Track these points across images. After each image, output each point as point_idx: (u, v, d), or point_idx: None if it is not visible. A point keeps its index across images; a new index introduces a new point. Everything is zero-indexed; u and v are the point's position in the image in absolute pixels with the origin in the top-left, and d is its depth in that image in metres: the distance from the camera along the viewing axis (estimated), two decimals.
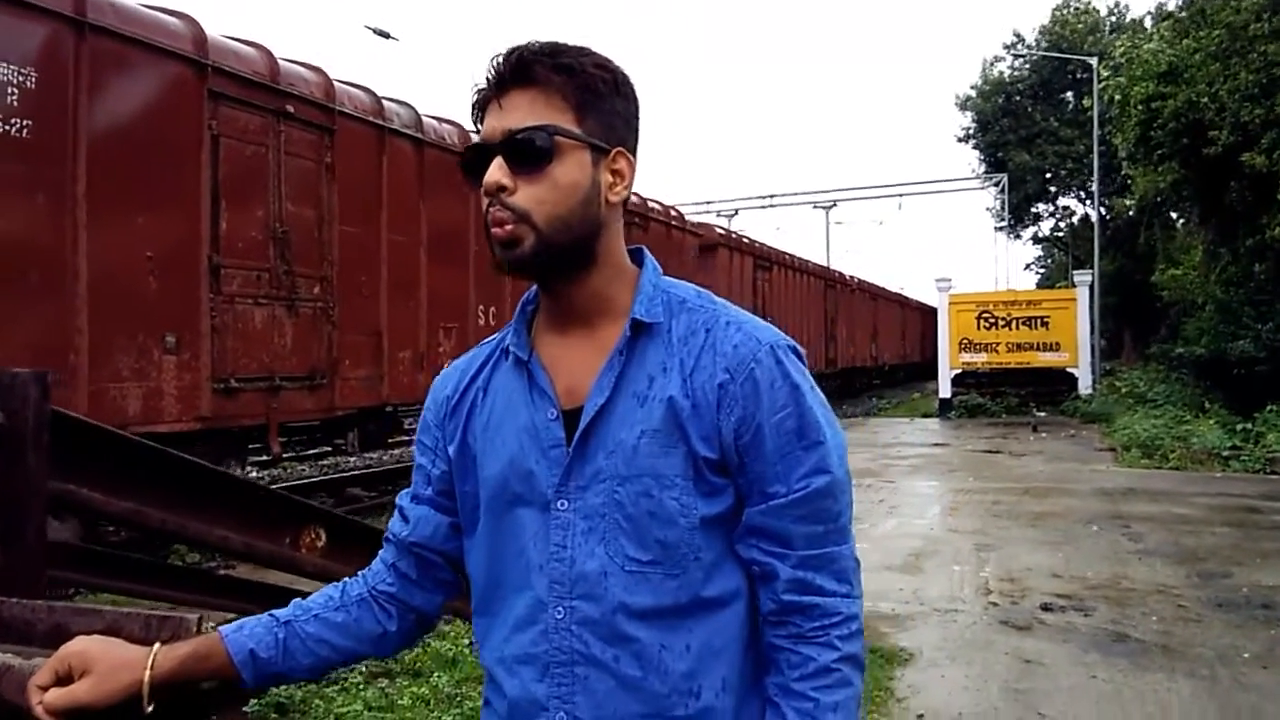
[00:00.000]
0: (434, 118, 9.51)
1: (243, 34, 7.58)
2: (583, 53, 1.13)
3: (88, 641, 1.13)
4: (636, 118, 1.18)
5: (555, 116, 1.09)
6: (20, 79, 5.55)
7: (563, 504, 1.09)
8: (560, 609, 1.08)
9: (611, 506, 1.08)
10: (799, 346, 1.15)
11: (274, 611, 1.20)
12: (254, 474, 11.27)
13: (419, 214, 9.00)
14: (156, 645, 1.13)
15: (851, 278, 29.10)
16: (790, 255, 22.25)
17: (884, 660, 4.54)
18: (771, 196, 42.91)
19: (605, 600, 1.07)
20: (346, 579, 1.26)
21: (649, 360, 1.11)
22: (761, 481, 1.08)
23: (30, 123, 5.60)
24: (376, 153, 8.46)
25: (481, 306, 10.07)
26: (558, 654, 1.08)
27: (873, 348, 31.62)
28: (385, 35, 13.25)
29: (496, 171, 1.08)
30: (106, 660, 1.10)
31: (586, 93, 1.11)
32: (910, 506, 9.16)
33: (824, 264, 29.81)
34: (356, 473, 11.47)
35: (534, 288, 1.19)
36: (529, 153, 1.08)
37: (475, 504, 1.17)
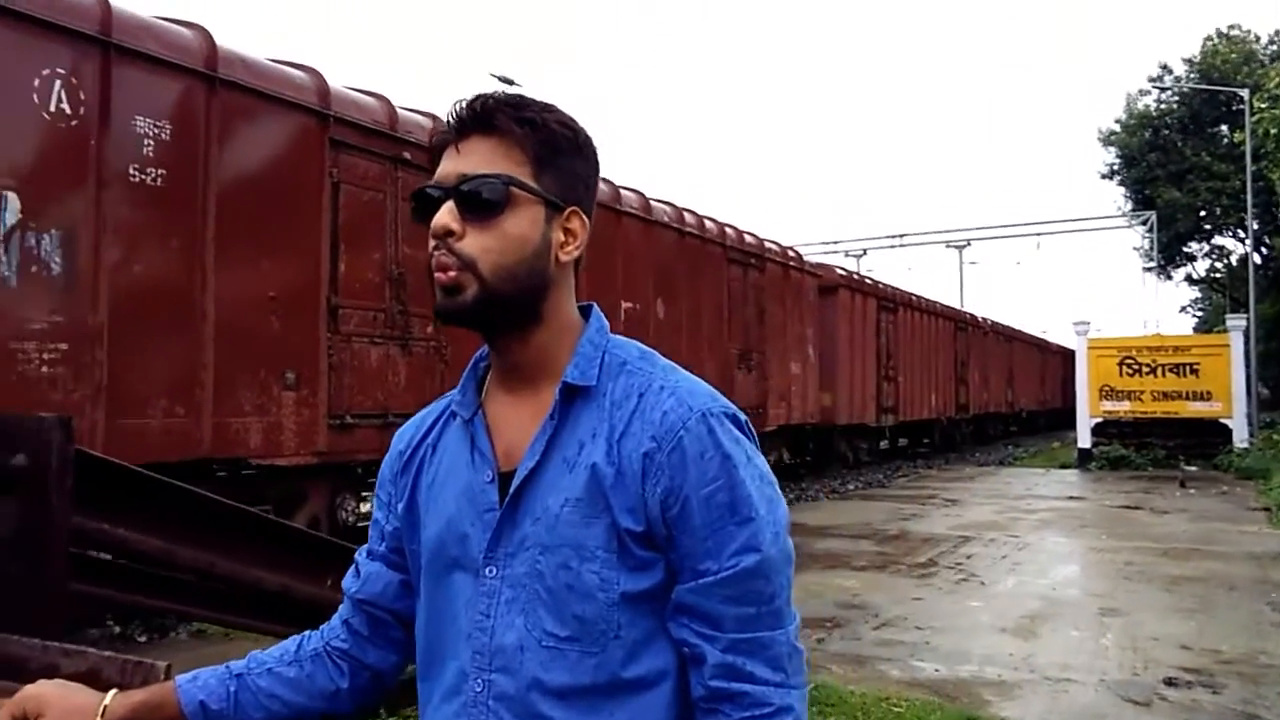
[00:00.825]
0: None
1: (379, 84, 7.93)
2: (547, 109, 1.11)
3: (46, 686, 1.14)
4: (595, 180, 1.16)
5: (512, 167, 1.07)
6: (156, 131, 5.94)
7: (491, 570, 1.06)
8: (479, 681, 1.04)
9: (533, 577, 1.03)
10: (739, 413, 1.10)
11: (231, 663, 1.19)
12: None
13: None
14: (110, 693, 1.13)
15: (984, 320, 28.14)
16: (917, 296, 21.69)
17: None
18: (902, 236, 42.08)
19: (520, 675, 1.02)
20: (308, 631, 1.25)
21: (581, 424, 1.07)
22: (691, 558, 1.03)
23: (164, 172, 5.98)
24: None
25: None
26: None
27: (1008, 393, 30.43)
28: (509, 82, 13.71)
29: (446, 215, 1.06)
30: (60, 706, 1.11)
31: (546, 148, 1.09)
32: (1034, 564, 8.68)
33: (956, 305, 28.96)
34: None
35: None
36: (481, 200, 1.06)
37: (419, 565, 1.14)
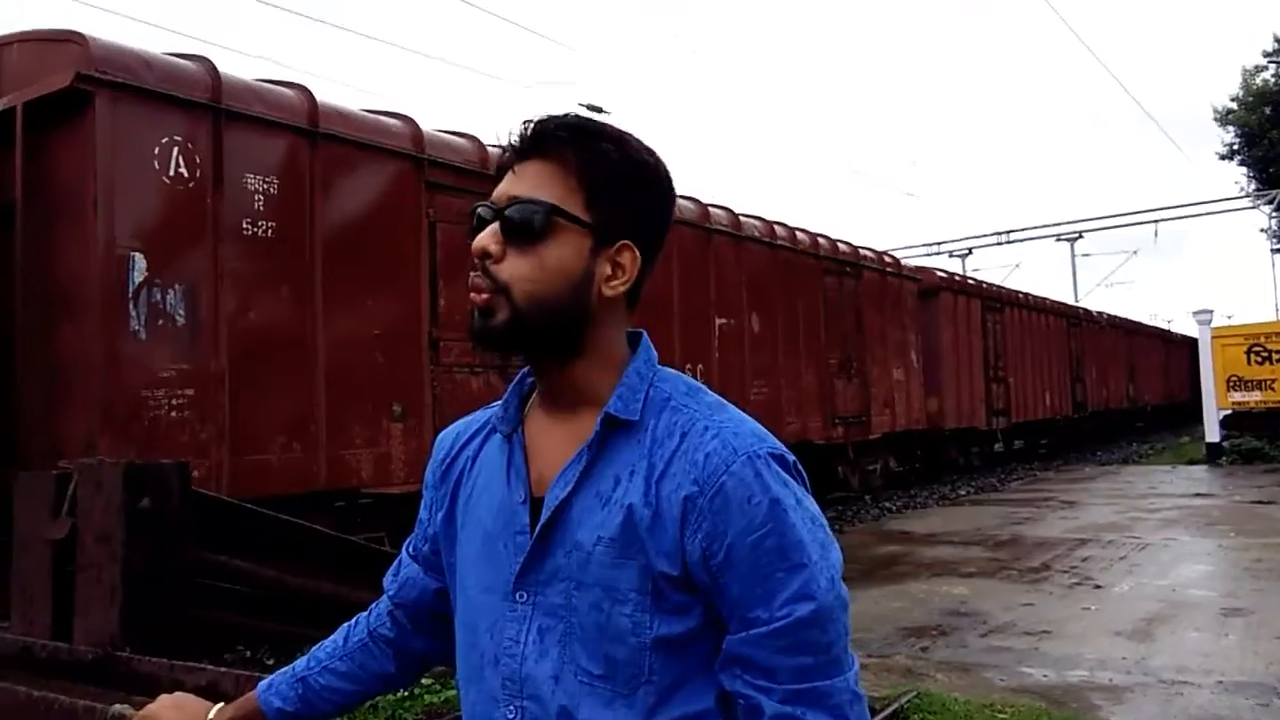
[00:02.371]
0: None
1: (473, 121, 8.28)
2: (616, 137, 1.08)
3: (164, 702, 1.32)
4: (663, 217, 1.13)
5: (562, 195, 1.05)
6: (265, 187, 6.36)
7: (522, 596, 1.05)
8: (512, 708, 1.03)
9: (568, 610, 1.02)
10: (787, 454, 1.05)
11: (295, 665, 1.32)
12: None
13: None
14: (217, 706, 1.31)
15: (1100, 314, 27.14)
16: (1025, 294, 21.12)
17: None
18: (1009, 232, 40.86)
19: (552, 705, 1.01)
20: (355, 618, 1.34)
21: (619, 459, 1.04)
22: (740, 607, 0.98)
23: (274, 224, 6.39)
24: None
25: (688, 365, 10.28)
26: None
27: (1129, 389, 29.24)
28: (598, 110, 14.09)
29: (487, 237, 1.06)
30: (175, 719, 1.29)
31: (603, 177, 1.05)
32: (1154, 565, 8.39)
33: (1068, 300, 28.01)
34: None
35: None
36: (522, 225, 1.04)
37: (455, 579, 1.16)
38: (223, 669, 1.46)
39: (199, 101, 6.06)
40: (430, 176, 7.50)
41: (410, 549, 1.30)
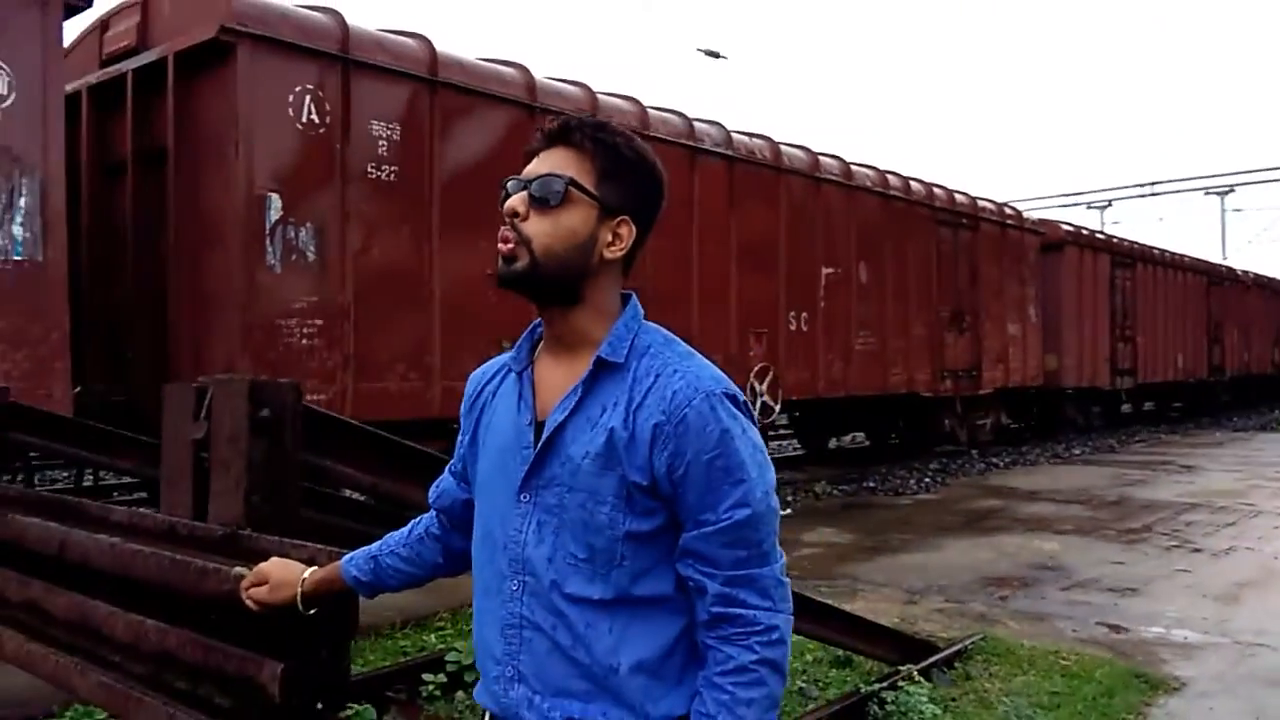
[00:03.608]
0: (744, 134, 10.01)
1: (587, 66, 8.52)
2: (623, 135, 1.37)
3: (273, 562, 1.68)
4: (655, 199, 1.40)
5: (579, 173, 1.32)
6: (388, 133, 6.79)
7: (525, 497, 1.33)
8: (515, 582, 1.32)
9: (560, 509, 1.30)
10: (739, 394, 1.32)
11: (371, 546, 1.64)
12: None
13: (729, 226, 9.54)
14: (308, 570, 1.66)
15: (1245, 273, 25.68)
16: (1160, 250, 20.18)
17: (1146, 686, 4.31)
18: (1153, 184, 38.84)
19: (546, 580, 1.30)
20: (420, 517, 1.65)
21: (606, 393, 1.31)
22: (694, 511, 1.26)
23: (396, 168, 6.83)
24: (688, 171, 9.11)
25: (793, 313, 10.41)
26: (510, 618, 1.33)
27: (1276, 353, 27.67)
28: (715, 55, 14.04)
29: (516, 200, 1.34)
30: (277, 578, 1.64)
31: (611, 163, 1.33)
32: (1259, 532, 8.18)
33: (1213, 258, 26.58)
34: None
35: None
36: (545, 192, 1.32)
37: (476, 487, 1.45)
38: (319, 546, 1.80)
39: (329, 52, 6.50)
40: (542, 123, 7.78)
41: (450, 468, 1.59)
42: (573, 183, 1.32)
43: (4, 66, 5.00)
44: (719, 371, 1.34)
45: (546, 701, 1.30)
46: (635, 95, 8.89)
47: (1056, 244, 15.88)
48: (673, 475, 1.26)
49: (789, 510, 9.30)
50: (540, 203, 1.33)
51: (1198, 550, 7.39)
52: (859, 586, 6.24)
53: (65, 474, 7.17)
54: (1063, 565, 6.86)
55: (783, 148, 10.37)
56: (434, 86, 7.04)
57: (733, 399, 1.30)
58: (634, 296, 1.42)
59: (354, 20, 6.73)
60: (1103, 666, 4.54)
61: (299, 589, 1.62)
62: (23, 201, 5.01)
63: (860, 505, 9.76)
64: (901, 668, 4.16)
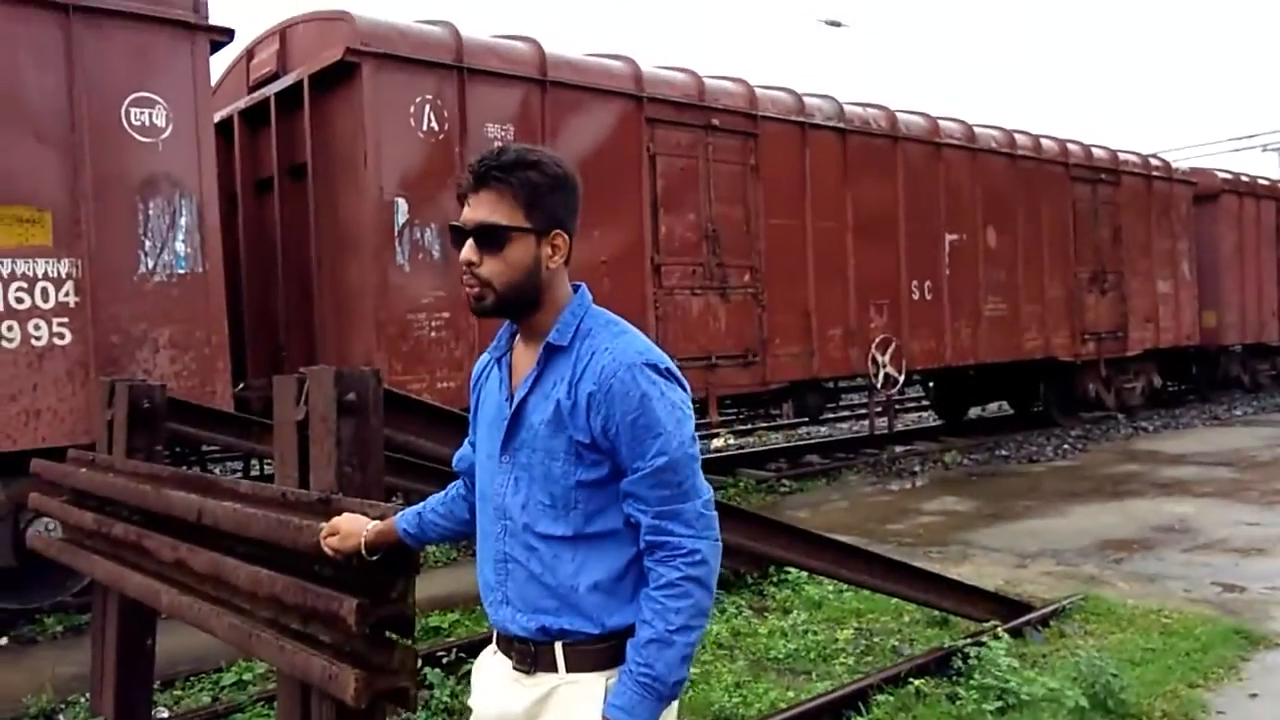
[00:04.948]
0: (859, 104, 10.01)
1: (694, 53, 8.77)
2: (531, 163, 1.60)
3: (345, 518, 2.06)
4: (571, 204, 1.65)
5: (508, 212, 1.58)
6: (502, 134, 7.23)
7: (505, 459, 1.65)
8: (499, 525, 1.66)
9: (529, 465, 1.62)
10: (659, 362, 1.59)
11: (418, 505, 1.99)
12: (720, 441, 12.74)
13: (844, 199, 9.59)
14: (370, 524, 2.02)
15: None
16: None
17: (1246, 641, 4.28)
18: None
19: (520, 523, 1.62)
20: (455, 482, 1.97)
21: (556, 371, 1.62)
22: (627, 460, 1.56)
23: None
24: (799, 148, 9.22)
25: (915, 282, 10.36)
26: (498, 555, 1.66)
27: None
28: (837, 24, 13.93)
29: (468, 251, 1.60)
30: (347, 528, 2.01)
31: (531, 193, 1.59)
32: None
33: None
34: (817, 441, 12.49)
35: None
36: (488, 241, 1.59)
37: (476, 451, 1.78)
38: (390, 505, 2.18)
39: (444, 63, 6.99)
40: (650, 112, 8.10)
41: (468, 439, 1.87)
42: (509, 228, 1.59)
43: (161, 101, 5.67)
44: (647, 345, 1.62)
45: (526, 616, 1.64)
46: (744, 76, 9.05)
47: (1211, 194, 15.00)
48: (607, 433, 1.56)
49: (916, 482, 9.34)
50: (488, 248, 1.59)
51: None
52: (971, 552, 6.30)
53: (238, 466, 8.00)
54: (1190, 527, 6.69)
55: (899, 115, 10.30)
56: (544, 86, 7.44)
57: (653, 367, 1.58)
58: (583, 287, 1.71)
59: (467, 31, 7.20)
60: (1204, 624, 4.51)
61: (363, 539, 1.99)
62: (183, 221, 5.68)
63: (989, 474, 9.66)
64: (988, 625, 4.29)
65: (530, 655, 1.65)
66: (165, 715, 3.97)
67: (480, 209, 1.61)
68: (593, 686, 1.60)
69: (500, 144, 1.72)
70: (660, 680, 1.54)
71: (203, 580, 2.76)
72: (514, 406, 1.65)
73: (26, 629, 5.34)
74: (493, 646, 1.77)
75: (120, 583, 3.19)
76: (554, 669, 1.63)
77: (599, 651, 1.61)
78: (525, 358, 1.70)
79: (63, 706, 4.10)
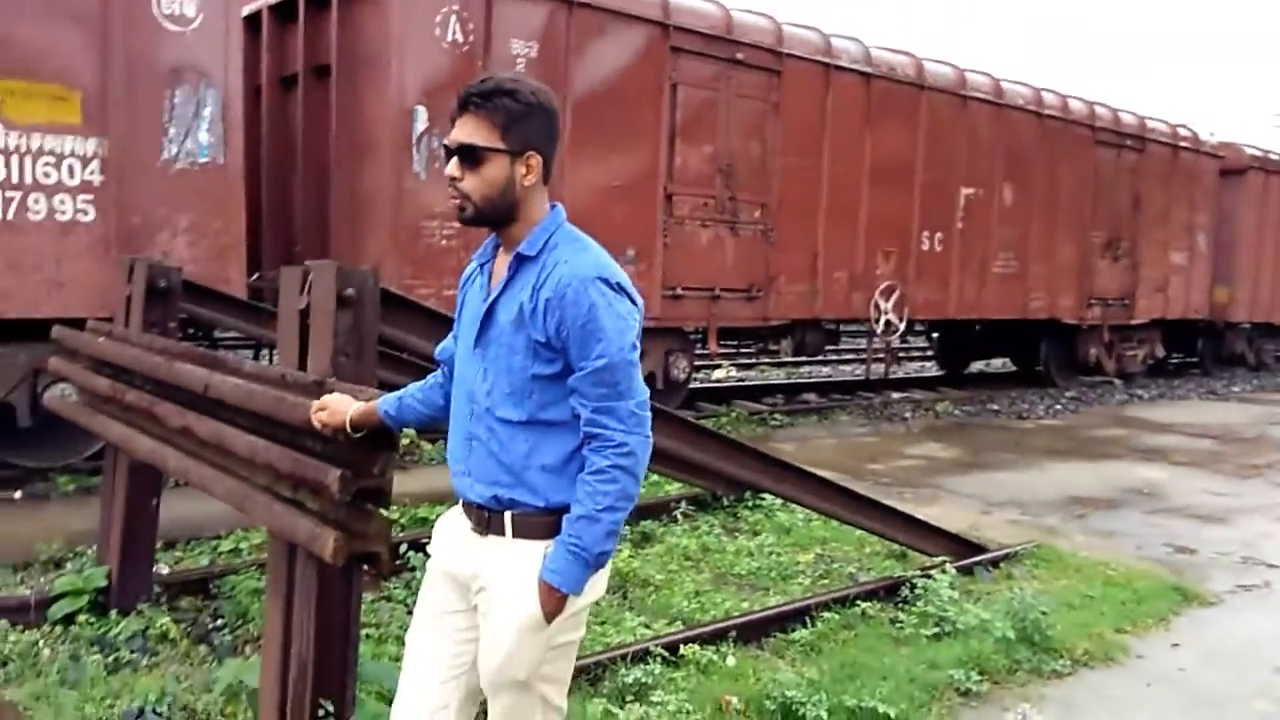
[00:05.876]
0: (887, 49, 9.99)
1: None
2: (512, 92, 1.81)
3: (333, 397, 2.28)
4: (548, 130, 1.87)
5: (487, 134, 1.81)
6: (526, 51, 7.33)
7: (478, 351, 1.90)
8: (469, 408, 1.91)
9: (495, 359, 1.86)
10: (610, 277, 1.80)
11: (399, 391, 2.22)
12: (722, 373, 12.96)
13: (863, 143, 9.65)
14: (354, 404, 2.25)
15: None
16: None
17: (1181, 598, 4.52)
18: None
19: (484, 406, 1.88)
20: (435, 371, 2.21)
21: (524, 278, 1.85)
22: (575, 360, 1.80)
23: None
24: (822, 89, 9.26)
25: (926, 232, 10.45)
26: (466, 434, 1.91)
27: None
28: None
29: (452, 167, 1.84)
30: (334, 407, 2.24)
31: (508, 117, 1.81)
32: None
33: None
34: (816, 380, 12.69)
35: None
36: (468, 159, 1.82)
37: (457, 344, 2.02)
38: (377, 391, 2.41)
39: None
40: (675, 41, 8.15)
41: (452, 334, 2.11)
42: (484, 148, 1.81)
43: None
44: (605, 261, 1.85)
45: (483, 486, 1.89)
46: (771, 12, 9.04)
47: (1238, 169, 14.90)
48: (560, 335, 1.79)
49: (906, 428, 9.56)
50: (468, 165, 1.82)
51: None
52: (942, 495, 6.55)
53: (249, 356, 8.29)
54: (1158, 492, 6.92)
55: (926, 64, 10.28)
56: (570, 6, 7.50)
57: (605, 281, 1.80)
58: (559, 206, 1.94)
59: None
60: (1146, 579, 4.75)
61: (348, 416, 2.22)
62: (207, 111, 5.85)
63: (977, 426, 9.88)
64: (939, 560, 4.54)
65: (484, 520, 1.90)
66: (165, 570, 4.29)
67: (463, 130, 1.84)
68: (533, 551, 1.85)
69: (487, 74, 1.91)
70: (587, 550, 1.79)
71: (206, 447, 3.02)
72: (486, 306, 1.87)
73: (40, 486, 5.68)
74: (457, 509, 2.02)
75: (131, 444, 3.46)
76: (502, 533, 1.88)
77: (542, 523, 1.86)
78: (502, 266, 1.93)
79: (71, 556, 4.43)
